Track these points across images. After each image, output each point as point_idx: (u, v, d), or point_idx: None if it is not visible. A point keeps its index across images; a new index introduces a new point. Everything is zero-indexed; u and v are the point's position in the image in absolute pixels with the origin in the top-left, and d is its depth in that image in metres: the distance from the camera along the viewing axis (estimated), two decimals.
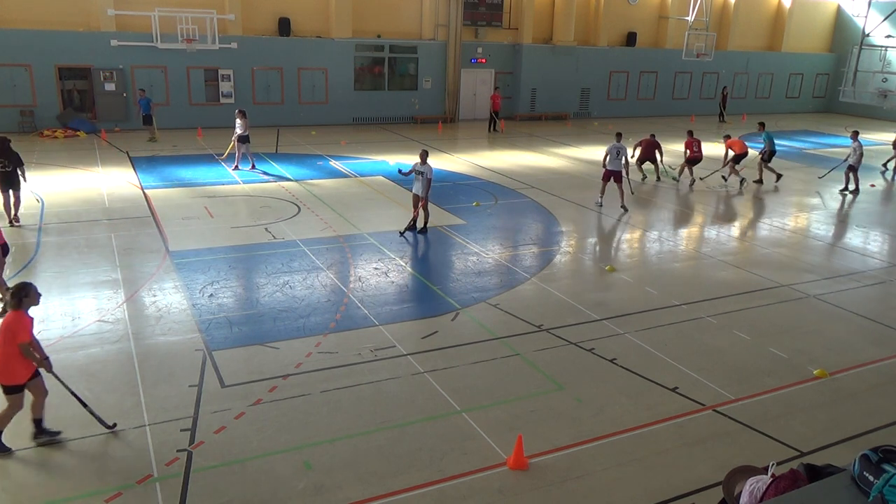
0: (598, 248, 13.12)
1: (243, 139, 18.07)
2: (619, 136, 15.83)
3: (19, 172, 12.88)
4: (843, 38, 37.52)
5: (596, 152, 22.90)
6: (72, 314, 9.19)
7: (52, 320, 8.97)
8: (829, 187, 19.17)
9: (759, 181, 18.95)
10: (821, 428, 7.22)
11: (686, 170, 18.47)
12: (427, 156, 13.18)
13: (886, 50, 34.00)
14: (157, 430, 6.68)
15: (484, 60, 29.69)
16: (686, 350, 8.84)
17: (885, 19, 30.56)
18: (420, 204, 13.16)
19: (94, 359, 8.02)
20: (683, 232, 14.77)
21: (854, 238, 14.50)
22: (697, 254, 13.07)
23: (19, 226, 12.92)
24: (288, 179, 17.55)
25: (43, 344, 8.20)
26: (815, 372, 8.38)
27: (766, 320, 9.97)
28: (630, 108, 33.25)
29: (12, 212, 12.97)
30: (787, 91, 37.99)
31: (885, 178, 21.29)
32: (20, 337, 6.11)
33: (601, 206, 15.85)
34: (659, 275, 11.79)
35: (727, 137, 18.91)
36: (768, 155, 18.82)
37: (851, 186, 18.42)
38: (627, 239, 13.98)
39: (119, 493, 5.77)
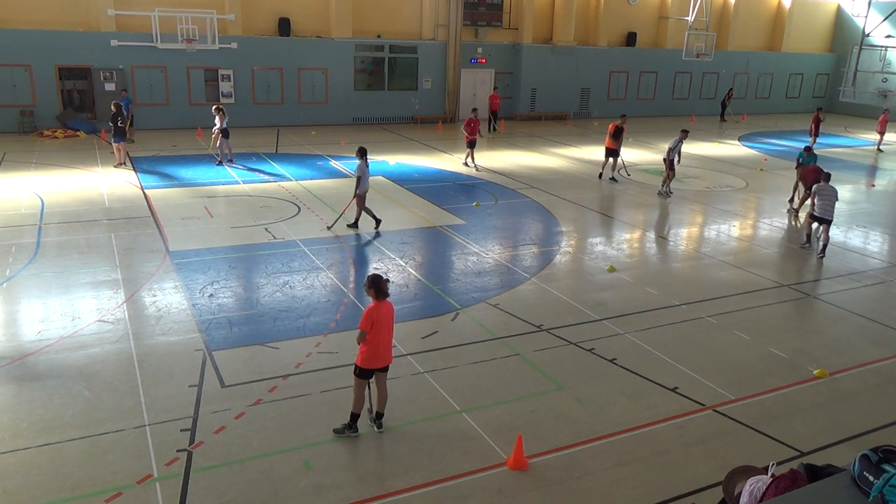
0: (598, 248, 13.12)
1: (223, 133, 18.64)
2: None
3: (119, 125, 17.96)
4: (843, 38, 37.53)
5: (596, 152, 22.93)
6: (72, 314, 9.19)
7: (52, 320, 8.97)
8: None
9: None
10: (821, 428, 7.23)
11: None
12: (361, 153, 13.10)
13: (886, 50, 34.00)
14: (157, 430, 6.68)
15: (484, 60, 29.68)
16: (686, 350, 8.84)
17: (885, 19, 30.57)
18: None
19: (94, 359, 8.02)
20: (683, 232, 14.77)
21: (854, 238, 14.49)
22: (697, 254, 13.07)
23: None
24: (288, 179, 17.56)
25: (43, 344, 8.27)
26: (815, 372, 8.38)
27: (766, 320, 9.97)
28: (630, 108, 33.18)
29: (118, 159, 18.15)
30: (787, 91, 37.99)
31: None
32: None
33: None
34: (659, 275, 11.79)
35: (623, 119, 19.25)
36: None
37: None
38: (627, 239, 13.98)
39: (119, 493, 5.77)
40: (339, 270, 11.33)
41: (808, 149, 16.84)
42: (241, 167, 18.72)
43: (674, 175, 17.37)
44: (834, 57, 38.35)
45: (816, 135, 24.87)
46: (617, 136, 18.38)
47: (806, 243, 13.56)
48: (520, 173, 19.41)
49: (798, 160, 16.97)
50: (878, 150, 26.15)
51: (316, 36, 26.46)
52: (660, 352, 8.75)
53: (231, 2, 24.58)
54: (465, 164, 20.21)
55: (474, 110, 21.39)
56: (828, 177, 13.29)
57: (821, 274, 12.30)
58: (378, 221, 13.49)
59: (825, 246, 13.02)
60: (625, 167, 19.29)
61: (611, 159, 18.65)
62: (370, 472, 6.23)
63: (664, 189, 17.39)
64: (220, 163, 18.92)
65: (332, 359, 8.20)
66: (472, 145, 19.98)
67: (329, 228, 13.32)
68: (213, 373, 7.80)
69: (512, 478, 6.19)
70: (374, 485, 6.04)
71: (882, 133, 26.16)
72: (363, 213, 13.45)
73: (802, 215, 15.36)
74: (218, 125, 18.65)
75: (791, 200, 16.79)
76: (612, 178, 18.70)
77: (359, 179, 13.08)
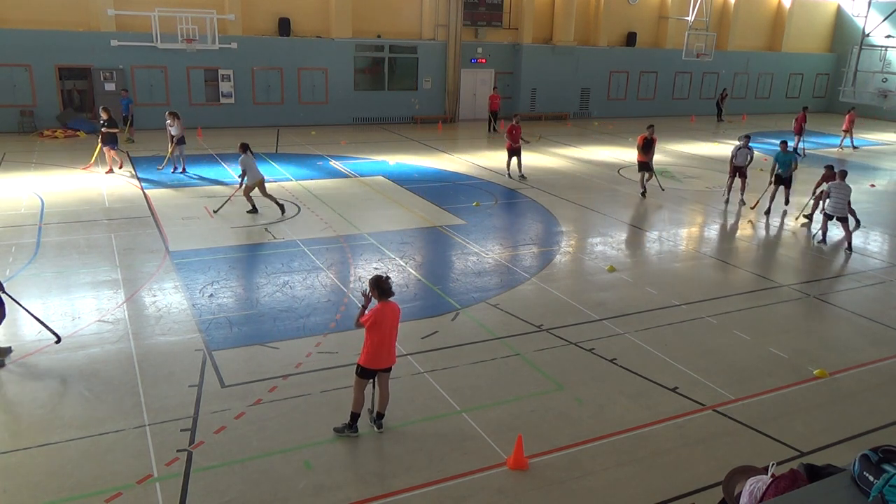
0: (598, 248, 13.12)
1: (180, 141, 17.73)
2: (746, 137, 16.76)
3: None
4: (843, 38, 37.53)
5: (596, 152, 22.93)
6: (72, 314, 9.20)
7: (52, 320, 8.95)
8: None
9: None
10: (821, 428, 7.22)
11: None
12: (244, 147, 13.90)
13: (886, 50, 33.98)
14: (157, 430, 6.68)
15: (484, 60, 29.69)
16: (686, 350, 8.84)
17: (885, 19, 30.54)
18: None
19: (94, 359, 8.02)
20: (683, 232, 14.77)
21: (854, 238, 14.46)
22: (697, 254, 13.06)
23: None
24: (288, 179, 17.55)
25: (42, 345, 8.27)
26: (815, 372, 8.38)
27: (766, 320, 9.97)
28: (630, 108, 33.26)
29: (119, 162, 18.06)
30: (787, 91, 38.00)
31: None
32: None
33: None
34: (659, 275, 11.78)
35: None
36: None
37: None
38: (627, 239, 13.98)
39: (119, 493, 5.77)
40: (339, 270, 11.32)
41: (784, 143, 16.00)
42: (195, 177, 17.79)
43: (746, 182, 16.67)
44: (834, 57, 38.35)
45: (801, 133, 24.44)
46: (647, 148, 16.93)
47: (822, 242, 13.69)
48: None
49: (775, 162, 15.86)
50: (853, 147, 26.47)
51: (316, 36, 26.46)
52: (660, 352, 8.75)
53: (231, 2, 24.58)
54: (509, 175, 18.67)
55: (515, 115, 19.95)
56: (843, 174, 13.54)
57: (820, 274, 12.30)
58: (282, 207, 14.25)
59: (850, 243, 13.34)
60: (658, 181, 17.99)
61: (645, 173, 17.27)
62: (370, 472, 6.23)
63: (745, 197, 16.79)
64: (183, 171, 17.91)
65: (332, 359, 8.20)
66: (515, 153, 18.52)
67: (215, 213, 14.13)
68: (213, 373, 7.80)
69: (512, 478, 6.19)
70: (374, 485, 6.03)
71: (849, 132, 26.39)
72: (271, 200, 14.31)
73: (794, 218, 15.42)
74: (177, 132, 17.52)
75: (784, 204, 16.42)
76: (642, 193, 17.27)
77: (244, 172, 13.82)
